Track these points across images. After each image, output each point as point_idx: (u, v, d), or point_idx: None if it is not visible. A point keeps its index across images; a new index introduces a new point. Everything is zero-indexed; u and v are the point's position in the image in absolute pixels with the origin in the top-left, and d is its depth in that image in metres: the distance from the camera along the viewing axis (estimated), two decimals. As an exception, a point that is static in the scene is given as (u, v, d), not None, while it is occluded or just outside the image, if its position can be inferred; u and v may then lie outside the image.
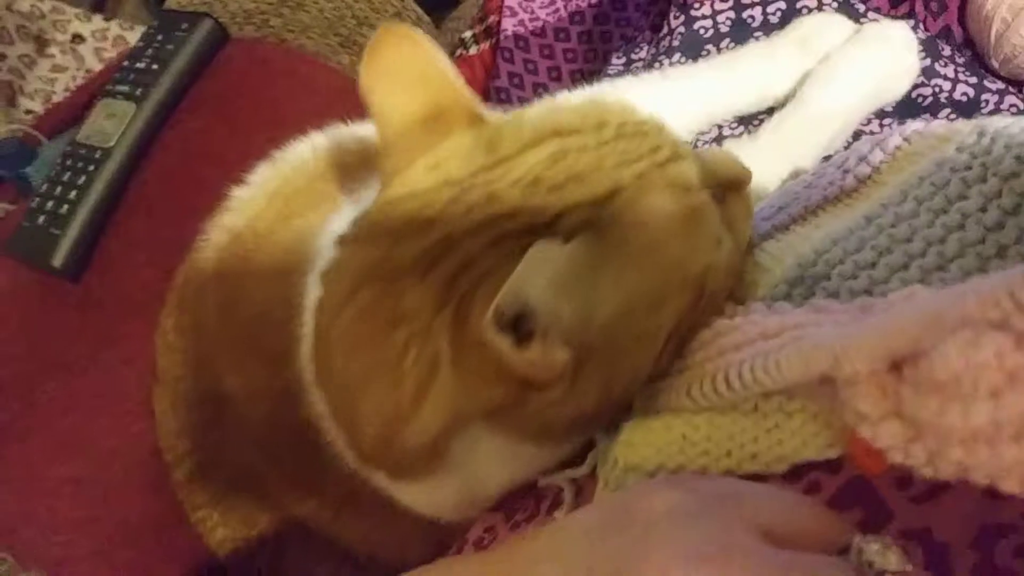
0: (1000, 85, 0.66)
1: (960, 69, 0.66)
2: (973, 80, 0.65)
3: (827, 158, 0.62)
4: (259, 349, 0.62)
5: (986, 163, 0.36)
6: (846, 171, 0.45)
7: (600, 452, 0.42)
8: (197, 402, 0.67)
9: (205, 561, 0.74)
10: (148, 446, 0.75)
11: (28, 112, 1.61)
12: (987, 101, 0.65)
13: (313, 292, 0.49)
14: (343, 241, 0.45)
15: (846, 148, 0.64)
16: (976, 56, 0.68)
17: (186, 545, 0.73)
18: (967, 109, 0.64)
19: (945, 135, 0.41)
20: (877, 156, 0.44)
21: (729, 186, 0.44)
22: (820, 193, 0.45)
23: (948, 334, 0.24)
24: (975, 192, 0.36)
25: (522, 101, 1.01)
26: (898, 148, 0.43)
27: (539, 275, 0.36)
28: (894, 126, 0.64)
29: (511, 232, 0.39)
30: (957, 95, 0.64)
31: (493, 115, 0.45)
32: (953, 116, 0.64)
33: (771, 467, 0.35)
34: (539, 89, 1.02)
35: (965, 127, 0.40)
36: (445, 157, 0.42)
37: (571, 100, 0.48)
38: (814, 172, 0.48)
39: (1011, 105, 0.65)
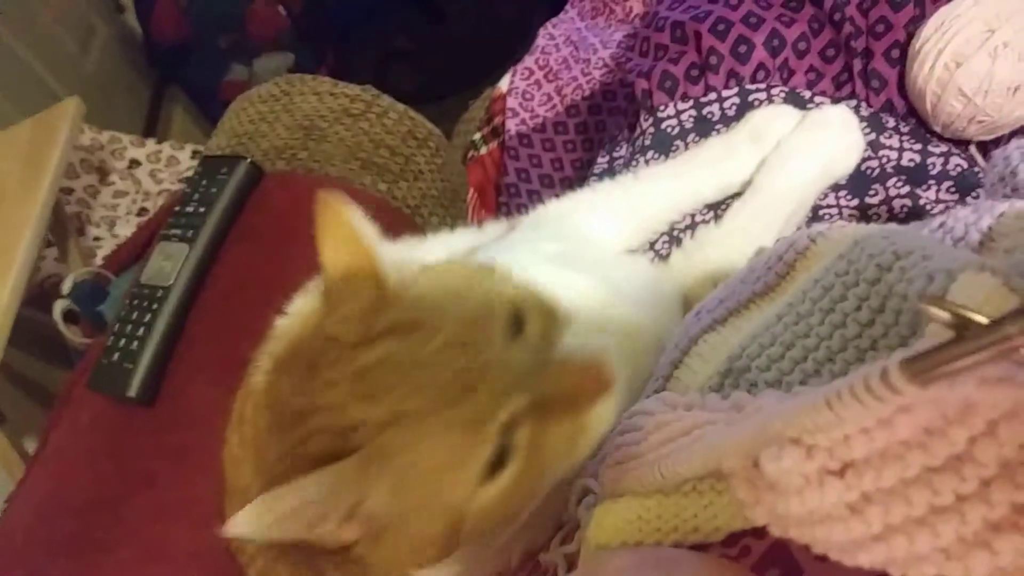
0: (944, 148, 0.71)
1: (905, 138, 0.72)
2: (918, 147, 0.71)
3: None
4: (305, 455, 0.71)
5: (857, 269, 0.42)
6: (769, 268, 0.51)
7: (582, 529, 0.49)
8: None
9: None
10: (223, 548, 0.84)
11: (96, 239, 1.77)
12: (934, 164, 0.71)
13: None
14: None
15: (808, 224, 0.71)
16: (920, 122, 0.74)
17: None
18: (916, 174, 0.70)
19: (836, 240, 0.47)
20: (790, 256, 0.50)
21: (562, 404, 0.48)
22: (749, 288, 0.52)
23: (768, 444, 0.31)
24: (852, 295, 0.42)
25: (531, 193, 1.10)
26: (807, 248, 0.50)
27: (264, 516, 0.43)
28: (848, 198, 0.71)
29: (330, 428, 0.47)
30: (904, 162, 0.71)
31: (392, 276, 0.53)
32: (901, 182, 0.70)
33: (710, 537, 0.42)
34: (544, 180, 1.11)
35: (847, 234, 0.46)
36: (346, 315, 0.51)
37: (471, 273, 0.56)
38: (747, 267, 0.55)
39: (956, 165, 0.70)
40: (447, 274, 0.55)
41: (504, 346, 0.48)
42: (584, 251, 0.71)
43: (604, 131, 1.08)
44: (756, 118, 0.73)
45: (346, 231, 0.53)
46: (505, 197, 1.11)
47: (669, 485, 0.43)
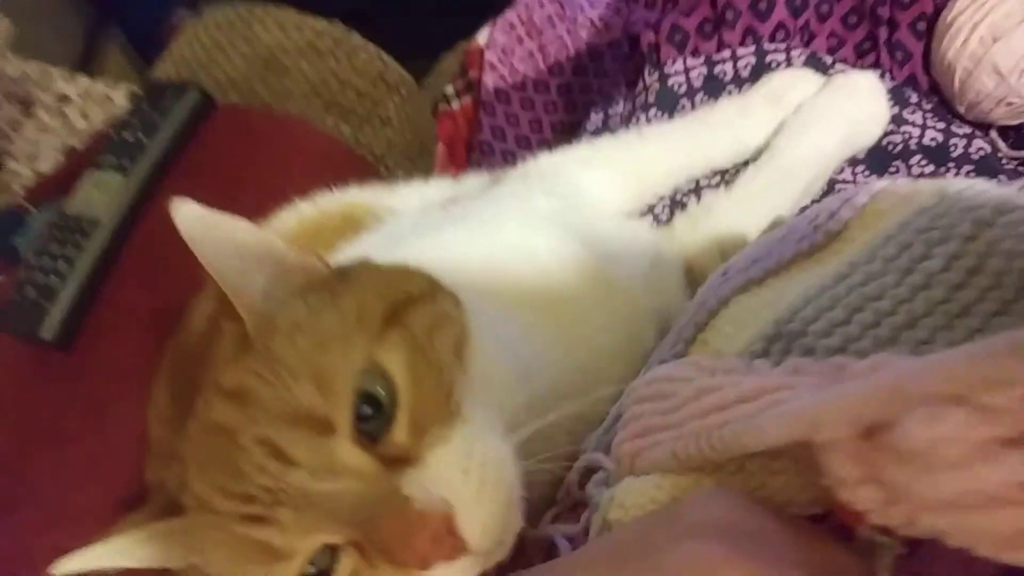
0: (967, 129, 0.68)
1: (928, 115, 0.67)
2: (941, 126, 0.67)
3: (803, 208, 0.64)
4: None
5: (948, 224, 0.37)
6: (816, 227, 0.46)
7: (592, 509, 0.43)
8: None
9: None
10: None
11: (15, 174, 1.62)
12: (955, 145, 0.67)
13: None
14: None
15: (820, 198, 0.66)
16: (942, 101, 0.70)
17: None
18: (937, 154, 0.66)
19: (908, 195, 0.42)
20: (846, 213, 0.45)
21: (384, 557, 0.38)
22: (792, 248, 0.46)
23: (913, 406, 0.25)
24: (938, 253, 0.37)
25: (505, 153, 1.03)
26: (865, 206, 0.44)
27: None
28: (866, 175, 0.66)
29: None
30: (926, 141, 0.66)
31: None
32: (924, 162, 0.65)
33: None
34: (521, 141, 1.03)
35: (927, 187, 0.41)
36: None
37: None
38: (787, 226, 0.49)
39: (979, 149, 0.66)
40: (323, 307, 0.44)
41: (332, 461, 0.39)
42: (580, 212, 0.64)
43: (588, 94, 1.01)
44: (775, 79, 0.67)
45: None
46: (477, 155, 1.03)
47: (712, 461, 0.37)
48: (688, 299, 0.62)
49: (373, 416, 0.40)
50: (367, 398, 0.40)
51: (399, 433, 0.40)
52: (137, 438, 0.77)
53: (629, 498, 0.40)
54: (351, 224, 0.65)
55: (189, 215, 0.44)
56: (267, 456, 0.39)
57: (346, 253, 0.61)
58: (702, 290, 0.51)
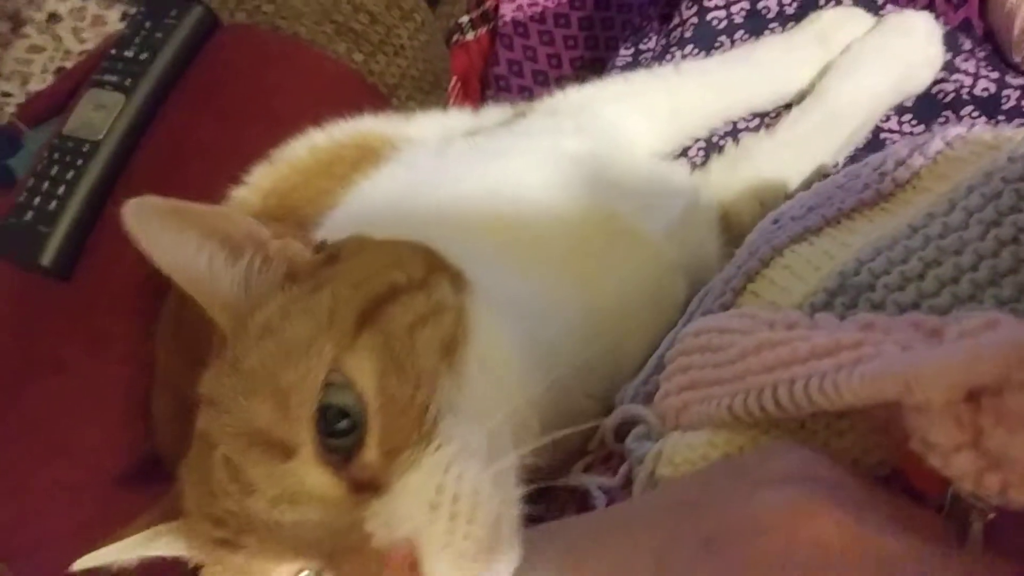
0: (1022, 80, 0.64)
1: (981, 64, 0.64)
2: (995, 75, 0.64)
3: (851, 157, 0.61)
4: None
5: (1041, 174, 0.34)
6: (883, 174, 0.43)
7: (635, 464, 0.41)
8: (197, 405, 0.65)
9: None
10: (144, 450, 0.73)
11: (5, 95, 1.56)
12: (1008, 97, 0.63)
13: None
14: None
15: (864, 148, 0.63)
16: (996, 50, 0.66)
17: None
18: (988, 105, 0.63)
19: (992, 143, 0.39)
20: (917, 161, 0.42)
21: None
22: (855, 196, 0.44)
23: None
24: (1030, 204, 0.34)
25: (522, 89, 0.99)
26: (940, 153, 0.41)
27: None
28: (913, 124, 0.63)
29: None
30: (978, 91, 0.63)
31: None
32: (975, 113, 0.62)
33: None
34: (539, 76, 0.99)
35: (1016, 135, 0.38)
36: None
37: None
38: (847, 173, 0.46)
39: (1033, 101, 0.63)
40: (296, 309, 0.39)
41: (292, 488, 0.35)
42: (611, 152, 0.61)
43: (611, 30, 0.97)
44: (825, 18, 0.64)
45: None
46: (492, 90, 0.99)
47: (772, 419, 0.35)
48: (722, 248, 0.60)
49: (347, 432, 0.36)
50: (340, 412, 0.36)
51: (370, 454, 0.35)
52: (136, 373, 0.75)
53: (679, 454, 0.38)
54: (367, 155, 0.61)
55: (143, 212, 0.39)
56: (229, 479, 0.36)
57: (365, 189, 0.58)
58: (751, 238, 0.48)
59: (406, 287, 0.40)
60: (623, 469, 0.42)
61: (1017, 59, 0.65)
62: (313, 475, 0.35)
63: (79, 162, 0.79)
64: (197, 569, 0.42)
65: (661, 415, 0.41)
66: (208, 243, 0.39)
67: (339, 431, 0.35)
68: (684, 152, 0.66)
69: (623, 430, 0.45)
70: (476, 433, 0.37)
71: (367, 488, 0.35)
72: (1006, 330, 0.26)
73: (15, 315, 0.77)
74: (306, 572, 0.36)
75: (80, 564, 0.43)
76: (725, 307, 0.45)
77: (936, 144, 0.42)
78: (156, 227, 0.38)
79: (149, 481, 0.72)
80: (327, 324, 0.37)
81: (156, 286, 0.76)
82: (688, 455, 0.37)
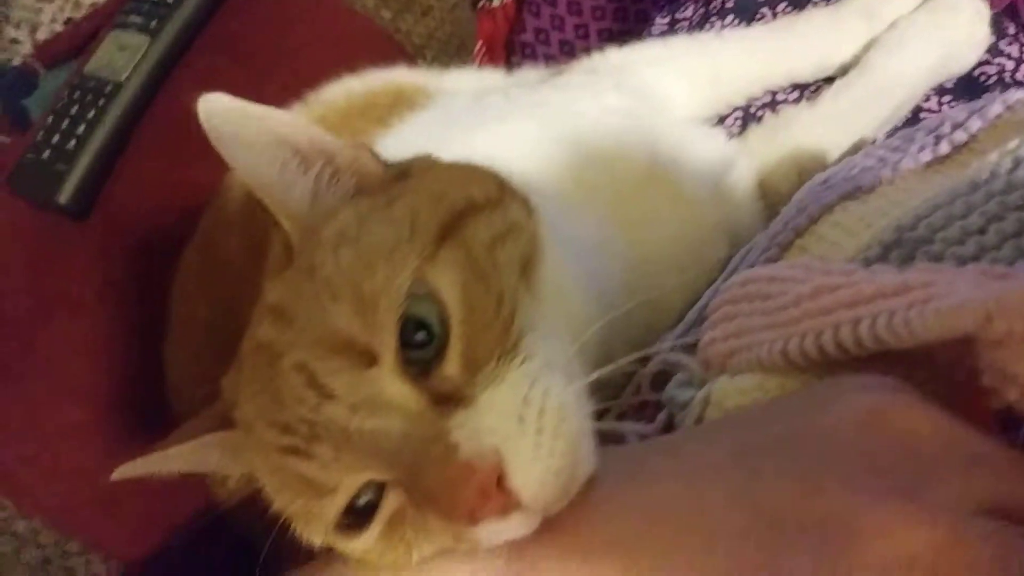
0: (1064, 66, 0.64)
1: (1025, 48, 0.64)
2: (1038, 59, 0.64)
3: (890, 135, 0.61)
4: None
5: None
6: (939, 137, 0.43)
7: (676, 411, 0.41)
8: (220, 345, 0.64)
9: (212, 512, 0.71)
10: (153, 394, 0.72)
11: (14, 41, 1.54)
12: (1050, 82, 0.63)
13: None
14: None
15: (904, 123, 0.62)
16: (1041, 35, 0.66)
17: (192, 496, 0.71)
18: (1030, 90, 0.63)
19: (1059, 103, 0.39)
20: (975, 124, 0.42)
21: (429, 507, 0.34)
22: (911, 158, 0.43)
23: None
24: (1099, 160, 0.34)
25: (548, 57, 0.98)
26: (999, 116, 0.41)
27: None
28: (952, 105, 0.63)
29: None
30: (1020, 75, 0.63)
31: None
32: (1017, 96, 0.62)
33: None
34: (564, 46, 0.99)
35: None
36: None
37: None
38: (901, 136, 0.46)
39: (1073, 87, 0.63)
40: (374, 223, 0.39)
41: (373, 396, 0.34)
42: (650, 113, 0.61)
43: (640, 2, 0.96)
44: (872, -9, 0.63)
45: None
46: (518, 56, 0.99)
47: (826, 361, 0.35)
48: (759, 214, 0.60)
49: (424, 344, 0.35)
50: (418, 324, 0.35)
51: (450, 367, 0.35)
52: (149, 316, 0.75)
53: (729, 399, 0.37)
54: (404, 100, 0.60)
55: (218, 109, 0.37)
56: (304, 386, 0.35)
57: (402, 132, 0.57)
58: (799, 195, 0.48)
59: (483, 204, 0.39)
60: (661, 416, 0.42)
61: (1059, 46, 0.65)
62: (395, 384, 0.34)
63: (100, 102, 0.78)
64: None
65: (706, 362, 0.41)
66: (281, 149, 0.38)
67: (416, 343, 0.35)
68: (721, 121, 0.66)
69: (659, 380, 0.45)
70: (558, 350, 0.37)
71: (447, 401, 0.34)
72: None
73: (30, 253, 0.76)
74: (370, 485, 0.36)
75: (120, 473, 0.42)
76: (771, 262, 0.45)
77: (996, 107, 0.42)
78: (231, 127, 0.37)
79: (157, 426, 0.71)
80: (408, 235, 0.36)
81: (172, 230, 0.76)
82: (739, 399, 0.37)
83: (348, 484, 0.35)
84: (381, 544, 0.35)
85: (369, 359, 0.34)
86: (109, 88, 0.79)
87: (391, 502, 0.35)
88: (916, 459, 0.27)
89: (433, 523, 0.34)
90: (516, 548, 0.33)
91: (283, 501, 0.37)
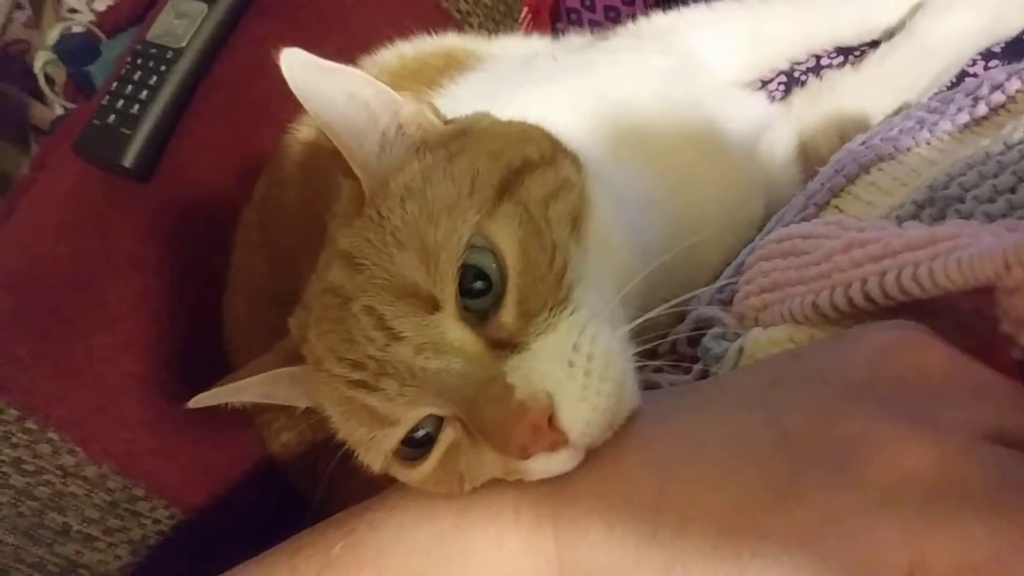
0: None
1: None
2: (1087, 24, 0.63)
3: (933, 96, 0.61)
4: None
5: None
6: (977, 99, 0.44)
7: (710, 363, 0.42)
8: (275, 300, 0.67)
9: (266, 464, 0.75)
10: (211, 349, 0.76)
11: (72, 11, 1.58)
12: (1099, 46, 0.62)
13: None
14: None
15: (948, 87, 0.62)
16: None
17: (247, 448, 0.74)
18: (1078, 54, 0.62)
19: (1096, 65, 0.39)
20: (1014, 85, 0.42)
21: (487, 440, 0.37)
22: (948, 120, 0.44)
23: None
24: None
25: (592, 23, 0.99)
26: (1037, 80, 0.42)
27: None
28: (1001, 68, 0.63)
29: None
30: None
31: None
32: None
33: None
34: (610, 12, 0.99)
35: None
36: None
37: None
38: (940, 97, 0.47)
39: (1124, 51, 0.62)
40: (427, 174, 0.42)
41: (436, 339, 0.37)
42: (695, 76, 0.62)
43: (688, -32, 0.96)
44: (921, -49, 0.63)
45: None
46: (563, 23, 0.99)
47: (855, 313, 0.36)
48: (799, 176, 0.61)
49: (483, 292, 0.38)
50: (476, 274, 0.38)
51: (506, 315, 0.38)
52: (208, 275, 0.78)
53: (761, 349, 0.39)
54: (454, 63, 0.63)
55: (298, 62, 0.40)
56: (374, 327, 0.38)
57: (453, 92, 0.59)
58: (838, 156, 0.48)
59: (538, 162, 0.42)
60: (698, 367, 0.44)
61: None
62: (455, 329, 0.37)
63: (162, 68, 0.81)
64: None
65: (740, 315, 0.43)
66: (353, 102, 0.41)
67: (475, 291, 0.38)
68: (764, 85, 0.66)
69: (695, 337, 0.46)
70: (604, 299, 0.39)
71: (503, 346, 0.37)
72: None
73: (96, 214, 0.80)
74: (429, 419, 0.39)
75: (196, 401, 0.46)
76: (807, 219, 0.46)
77: (1035, 69, 0.42)
78: (311, 79, 0.40)
79: (214, 379, 0.75)
80: (469, 191, 0.39)
81: (231, 190, 0.79)
82: (769, 349, 0.39)
83: (410, 417, 0.38)
84: (437, 473, 0.38)
85: (433, 305, 0.37)
86: (170, 54, 0.82)
87: (448, 436, 0.39)
88: (927, 388, 0.30)
89: (486, 456, 0.37)
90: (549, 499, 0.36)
91: (348, 430, 0.41)
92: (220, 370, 0.73)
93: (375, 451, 0.40)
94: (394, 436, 0.39)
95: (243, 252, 0.70)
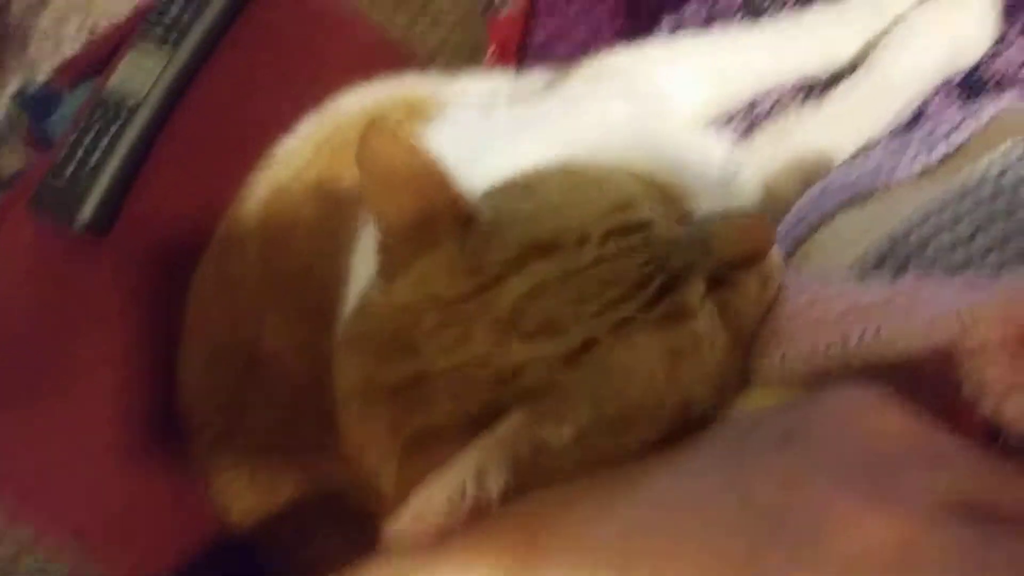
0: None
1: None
2: (1040, 58, 0.63)
3: (893, 133, 0.60)
4: (302, 305, 0.61)
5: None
6: (933, 143, 0.43)
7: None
8: (233, 358, 0.65)
9: (226, 536, 0.71)
10: (169, 412, 0.73)
11: (36, 60, 1.57)
12: (1053, 82, 0.62)
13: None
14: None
15: (908, 121, 0.62)
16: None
17: (204, 521, 0.70)
18: (1033, 89, 0.62)
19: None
20: (968, 129, 0.42)
21: (741, 265, 0.39)
22: (906, 163, 0.44)
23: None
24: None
25: (560, 60, 0.98)
26: (990, 121, 0.41)
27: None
28: (956, 102, 0.62)
29: (473, 384, 0.37)
30: (1023, 74, 0.62)
31: (482, 213, 0.40)
32: (1020, 96, 0.61)
33: None
34: (578, 48, 0.98)
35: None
36: (430, 271, 0.39)
37: (560, 178, 0.43)
38: (896, 141, 0.46)
39: (1077, 87, 0.62)
40: (540, 183, 0.42)
41: (662, 226, 0.39)
42: (656, 116, 0.61)
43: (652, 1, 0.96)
44: (879, -14, 0.63)
45: (406, 168, 0.40)
46: (531, 60, 0.98)
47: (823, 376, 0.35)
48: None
49: None
50: None
51: None
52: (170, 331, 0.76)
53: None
54: (415, 113, 0.62)
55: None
56: (618, 240, 0.38)
57: None
58: (800, 204, 0.48)
59: None
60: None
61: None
62: None
63: (120, 120, 0.80)
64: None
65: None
66: None
67: None
68: (728, 121, 0.66)
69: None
70: None
71: None
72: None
73: (57, 269, 0.78)
74: None
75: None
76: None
77: (988, 112, 0.42)
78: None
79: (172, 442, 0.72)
80: None
81: (194, 245, 0.77)
82: (740, 410, 0.38)
83: (697, 303, 0.38)
84: (727, 341, 0.40)
85: None
86: (128, 107, 0.80)
87: (713, 309, 0.40)
88: (889, 455, 0.29)
89: (743, 291, 0.40)
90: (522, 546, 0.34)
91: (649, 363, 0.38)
92: (175, 438, 0.70)
93: (685, 367, 0.38)
94: (700, 338, 0.38)
95: (199, 307, 0.68)
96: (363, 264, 0.54)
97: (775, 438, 0.32)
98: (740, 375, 0.40)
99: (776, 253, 0.41)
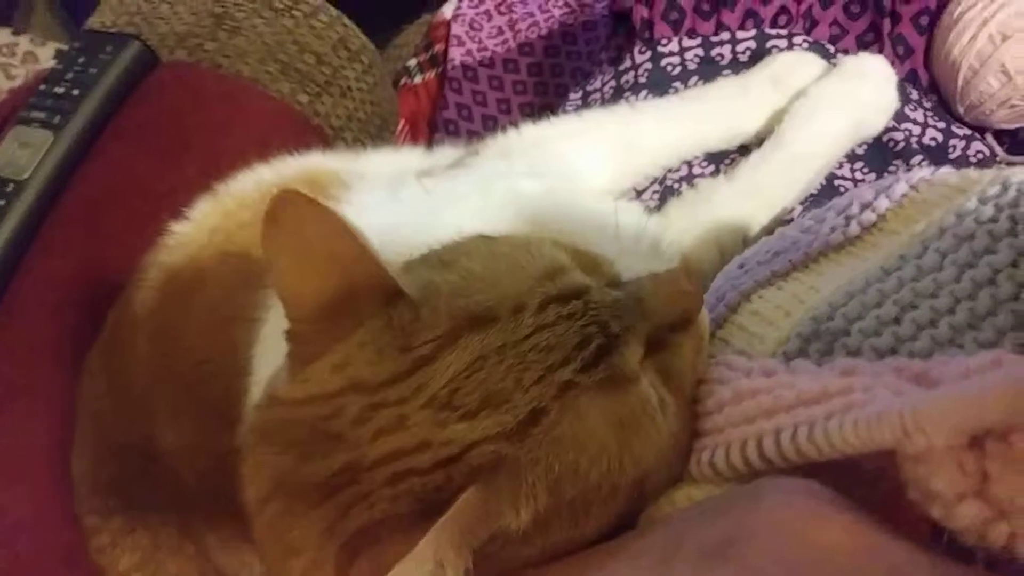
0: (966, 131, 0.66)
1: (928, 114, 0.65)
2: (941, 125, 0.65)
3: (806, 204, 0.61)
4: (199, 400, 0.56)
5: (1014, 216, 0.34)
6: (848, 217, 0.43)
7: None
8: (126, 454, 0.60)
9: None
10: (60, 515, 0.67)
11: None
12: (954, 147, 0.64)
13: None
14: (259, 410, 0.39)
15: (819, 192, 0.62)
16: (941, 101, 0.68)
17: None
18: (936, 154, 0.64)
19: (959, 185, 0.39)
20: (883, 203, 0.41)
21: (677, 326, 0.38)
22: (822, 240, 0.43)
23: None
24: (1004, 245, 0.34)
25: (470, 133, 0.98)
26: (905, 196, 0.41)
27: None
28: (865, 172, 0.64)
29: (416, 470, 0.33)
30: (927, 140, 0.64)
31: (409, 285, 0.37)
32: (924, 161, 0.63)
33: None
34: (488, 121, 0.98)
35: (982, 177, 0.38)
36: (352, 354, 0.36)
37: (490, 248, 0.40)
38: (812, 216, 0.46)
39: (977, 151, 0.65)
40: (462, 254, 0.40)
41: (597, 291, 0.37)
42: (568, 195, 0.60)
43: (560, 76, 0.97)
44: (779, 61, 0.64)
45: (322, 239, 0.36)
46: (441, 134, 0.98)
47: (751, 472, 0.33)
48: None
49: None
50: None
51: None
52: (60, 423, 0.70)
53: (658, 509, 0.36)
54: (319, 190, 0.58)
55: None
56: (557, 307, 0.37)
57: None
58: (717, 283, 0.47)
59: None
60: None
61: (961, 110, 0.66)
62: None
63: (2, 202, 0.74)
64: None
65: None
66: None
67: None
68: (639, 195, 0.65)
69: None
70: None
71: None
72: (1011, 368, 0.25)
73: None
74: None
75: None
76: (695, 353, 0.44)
77: (901, 187, 0.41)
78: None
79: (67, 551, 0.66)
80: None
81: (80, 334, 0.71)
82: (667, 509, 0.35)
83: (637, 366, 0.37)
84: (674, 405, 0.38)
85: None
86: (11, 187, 0.75)
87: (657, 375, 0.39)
88: (832, 571, 0.26)
89: (680, 352, 0.39)
90: None
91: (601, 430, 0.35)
92: (70, 541, 0.65)
93: (642, 432, 0.36)
94: (650, 402, 0.37)
95: (87, 402, 0.63)
96: (268, 352, 0.50)
97: (711, 548, 0.29)
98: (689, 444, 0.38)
99: (705, 316, 0.40)
